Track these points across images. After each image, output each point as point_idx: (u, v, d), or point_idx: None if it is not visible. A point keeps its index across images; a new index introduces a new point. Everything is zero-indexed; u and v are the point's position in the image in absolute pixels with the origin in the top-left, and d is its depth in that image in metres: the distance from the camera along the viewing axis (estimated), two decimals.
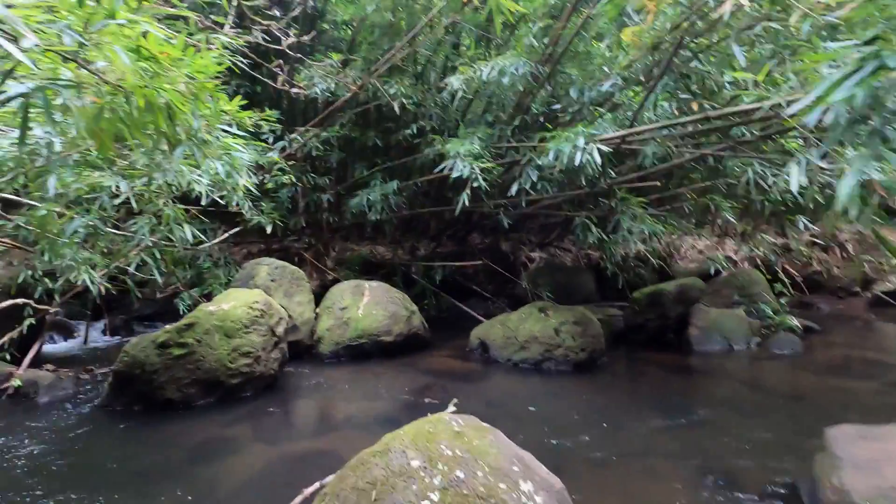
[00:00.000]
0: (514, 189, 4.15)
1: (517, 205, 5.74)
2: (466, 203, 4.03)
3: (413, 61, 5.74)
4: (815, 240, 7.97)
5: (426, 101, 5.16)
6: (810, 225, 4.93)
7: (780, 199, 4.42)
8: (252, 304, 3.75)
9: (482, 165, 3.87)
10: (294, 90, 4.97)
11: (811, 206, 5.69)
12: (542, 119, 4.81)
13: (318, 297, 5.27)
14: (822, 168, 1.67)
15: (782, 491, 2.27)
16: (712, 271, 5.59)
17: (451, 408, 2.32)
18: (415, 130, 5.13)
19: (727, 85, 3.41)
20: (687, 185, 6.25)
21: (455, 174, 3.92)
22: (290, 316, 4.59)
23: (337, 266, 7.39)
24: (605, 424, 3.27)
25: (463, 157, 3.97)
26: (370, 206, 5.94)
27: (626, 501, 2.34)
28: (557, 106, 4.34)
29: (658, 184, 4.59)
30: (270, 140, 5.70)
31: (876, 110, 1.38)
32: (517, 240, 8.12)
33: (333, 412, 3.57)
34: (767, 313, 5.70)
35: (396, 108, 4.70)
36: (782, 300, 5.69)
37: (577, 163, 3.22)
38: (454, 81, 4.24)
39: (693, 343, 4.96)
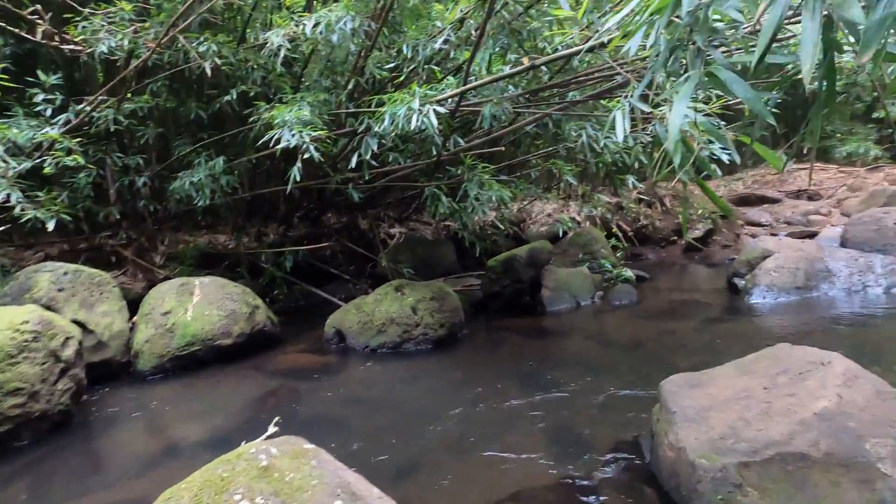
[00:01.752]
0: (353, 160, 3.75)
1: (367, 178, 5.36)
2: (297, 178, 3.53)
3: (231, 15, 4.93)
4: (641, 197, 8.85)
5: (248, 63, 4.45)
6: (637, 183, 5.32)
7: (611, 160, 4.65)
8: (18, 325, 2.89)
9: (313, 134, 3.39)
10: (67, 47, 3.93)
11: (636, 165, 6.21)
12: (378, 83, 4.43)
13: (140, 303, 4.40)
14: (644, 114, 1.61)
15: (627, 450, 2.29)
16: (561, 233, 5.82)
17: (271, 429, 1.91)
18: (234, 97, 4.41)
19: (554, 39, 3.36)
20: (533, 151, 6.41)
21: (283, 144, 3.39)
22: (90, 331, 3.72)
23: (168, 263, 6.34)
24: (464, 403, 3.12)
25: (291, 126, 3.45)
26: (197, 188, 5.08)
27: (484, 490, 2.18)
28: (392, 65, 3.99)
29: (503, 149, 4.54)
30: (49, 112, 4.54)
31: (700, 30, 1.27)
32: (375, 216, 7.75)
33: (151, 444, 2.93)
34: (607, 267, 6.13)
35: (208, 70, 3.95)
36: (618, 254, 6.16)
37: (412, 126, 2.93)
38: (274, 38, 3.66)
39: (546, 304, 5.12)
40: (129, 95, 5.18)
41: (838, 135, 12.21)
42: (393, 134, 3.44)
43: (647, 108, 1.63)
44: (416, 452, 2.57)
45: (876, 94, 12.52)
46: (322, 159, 3.57)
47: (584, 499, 1.97)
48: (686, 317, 4.50)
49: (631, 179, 5.09)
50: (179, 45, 4.38)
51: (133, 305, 4.46)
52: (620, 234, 7.24)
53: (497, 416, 2.89)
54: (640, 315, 4.69)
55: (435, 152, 4.41)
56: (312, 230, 7.36)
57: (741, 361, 2.12)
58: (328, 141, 3.80)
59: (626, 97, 1.66)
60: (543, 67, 4.26)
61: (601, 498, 1.94)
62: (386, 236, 7.54)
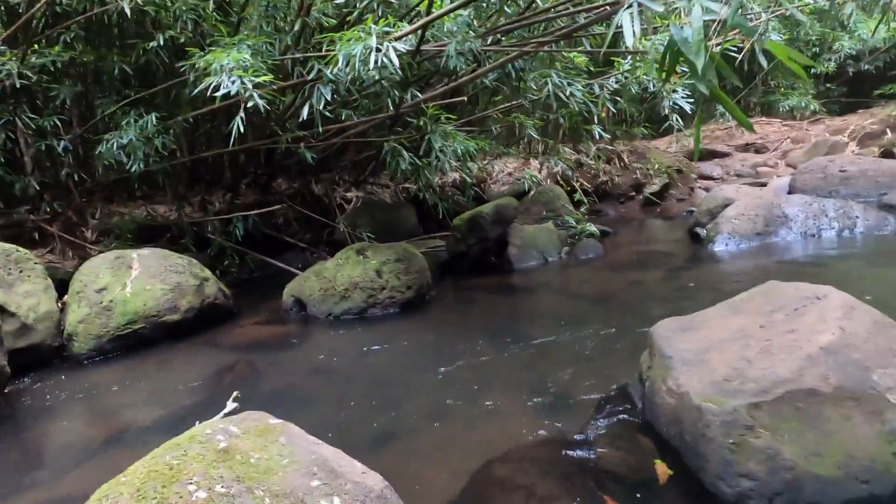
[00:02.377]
0: (304, 112, 3.40)
1: (319, 135, 4.98)
2: (241, 129, 3.16)
3: None
4: (600, 154, 8.82)
5: (176, 4, 3.94)
6: (604, 134, 5.20)
7: (577, 109, 4.48)
8: None
9: (256, 80, 3.02)
10: None
11: (605, 118, 6.09)
12: (328, 25, 4.03)
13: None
14: (655, 14, 1.41)
15: (616, 400, 2.20)
16: (527, 188, 5.67)
17: (230, 406, 1.67)
18: (161, 43, 3.90)
19: None
20: (492, 107, 6.17)
21: (222, 92, 3.00)
22: (10, 314, 3.29)
23: (102, 238, 5.78)
24: (438, 366, 2.96)
25: (230, 71, 3.05)
26: (128, 152, 4.56)
27: (469, 452, 2.03)
28: (342, 0, 3.61)
29: (464, 100, 4.27)
30: None
31: None
32: (330, 180, 7.35)
33: (91, 433, 2.62)
34: (571, 223, 6.06)
35: (127, 9, 3.44)
36: (582, 209, 6.10)
37: (370, 67, 2.62)
38: None
39: (513, 261, 5.00)
40: (36, 47, 4.54)
41: (781, 89, 12.55)
42: (348, 80, 3.11)
43: (658, 8, 1.44)
44: (392, 420, 2.40)
45: (816, 49, 12.87)
46: (268, 109, 3.20)
47: (578, 454, 1.86)
48: (653, 267, 4.49)
49: (597, 130, 4.95)
50: None
51: (64, 285, 4.00)
52: (581, 191, 7.19)
53: (473, 376, 2.75)
54: (608, 268, 4.65)
55: (392, 106, 4.10)
56: (262, 197, 6.90)
57: (732, 301, 2.04)
58: (274, 90, 3.42)
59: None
60: (505, 8, 3.99)
61: (596, 451, 1.84)
62: (342, 201, 7.18)
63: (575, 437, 1.98)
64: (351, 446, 2.20)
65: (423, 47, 3.39)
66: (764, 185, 8.16)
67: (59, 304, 3.82)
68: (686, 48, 1.23)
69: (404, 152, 3.95)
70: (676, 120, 5.67)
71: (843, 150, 8.50)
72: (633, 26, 1.39)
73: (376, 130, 4.95)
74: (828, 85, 13.06)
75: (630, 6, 1.38)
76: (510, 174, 8.61)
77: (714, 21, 1.23)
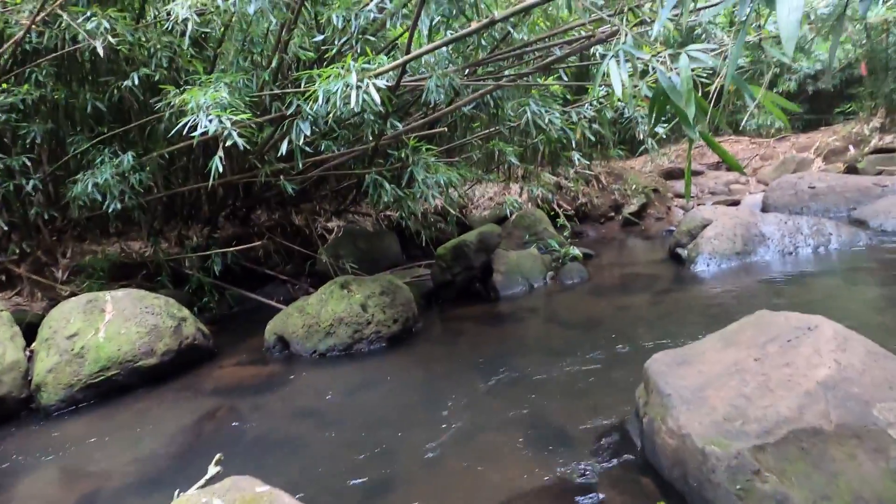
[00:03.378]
0: (283, 147, 3.36)
1: (299, 169, 4.93)
2: (220, 169, 3.09)
3: None
4: (578, 176, 8.95)
5: (150, 43, 3.89)
6: (583, 160, 5.27)
7: (556, 136, 4.54)
8: None
9: (235, 118, 2.97)
10: None
11: (582, 141, 6.18)
12: (305, 61, 4.02)
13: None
14: (643, 63, 1.42)
15: (614, 439, 2.16)
16: (509, 213, 5.69)
17: (212, 470, 1.57)
18: (135, 82, 3.84)
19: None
20: (470, 134, 6.22)
21: (200, 131, 2.95)
22: None
23: (73, 277, 5.59)
24: (429, 404, 2.89)
25: (208, 110, 3.00)
26: (102, 190, 4.43)
27: (469, 500, 1.95)
28: (320, 38, 3.61)
29: (446, 129, 4.29)
30: None
31: None
32: (310, 210, 7.28)
33: (61, 495, 2.45)
34: (554, 247, 6.09)
35: (100, 49, 3.38)
36: (565, 233, 6.13)
37: (352, 104, 2.60)
38: (179, 9, 3.17)
39: (499, 289, 4.97)
40: (4, 86, 4.42)
41: (747, 108, 13.01)
42: (329, 116, 3.09)
43: (644, 55, 1.45)
44: (384, 468, 2.31)
45: (777, 70, 13.45)
46: (247, 147, 3.15)
47: (580, 500, 1.80)
48: (638, 290, 4.51)
49: (576, 156, 5.01)
50: (63, 22, 3.74)
51: (32, 329, 3.83)
52: (562, 214, 7.25)
53: (466, 415, 2.68)
54: (593, 292, 4.66)
55: (373, 137, 4.08)
56: (241, 230, 6.79)
57: (724, 333, 2.03)
58: (252, 127, 3.38)
59: (615, 43, 1.46)
60: (482, 41, 4.05)
61: (598, 496, 1.78)
62: (324, 231, 7.10)
63: (577, 480, 1.92)
64: (343, 500, 2.11)
65: (403, 81, 3.40)
66: (737, 202, 8.36)
67: (27, 353, 3.64)
68: (675, 96, 1.24)
69: (386, 184, 3.93)
70: (651, 144, 5.81)
71: (809, 167, 8.79)
72: (620, 74, 1.40)
73: (357, 162, 4.92)
74: (791, 103, 13.60)
75: (616, 55, 1.39)
76: (491, 199, 8.66)
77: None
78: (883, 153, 7.94)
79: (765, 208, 6.91)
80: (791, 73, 12.99)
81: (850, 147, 8.60)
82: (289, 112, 3.37)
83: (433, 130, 4.17)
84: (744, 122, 12.91)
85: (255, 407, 3.23)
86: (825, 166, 8.62)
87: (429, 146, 4.03)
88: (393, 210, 7.09)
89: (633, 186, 8.97)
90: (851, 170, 7.96)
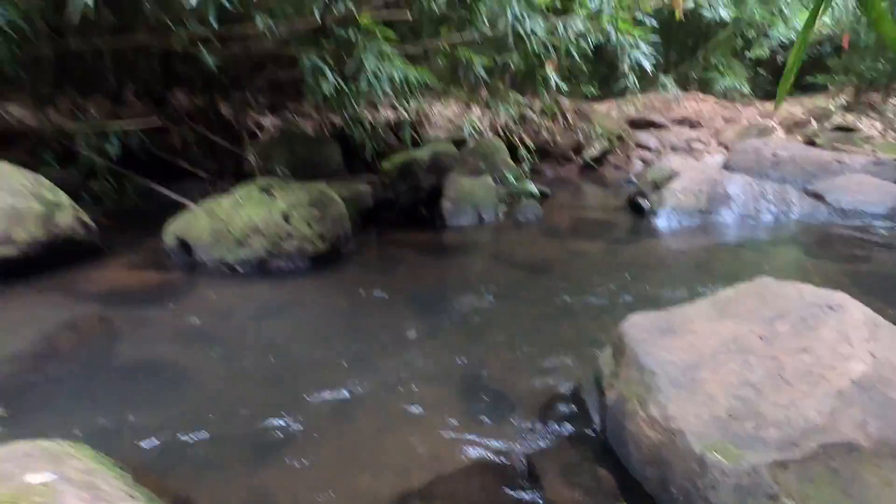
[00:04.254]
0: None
1: (224, 38, 4.03)
2: (89, 2, 2.25)
3: None
4: (545, 110, 8.35)
5: None
6: (562, 84, 4.68)
7: (536, 50, 3.90)
8: None
9: None
10: None
11: (551, 67, 5.54)
12: None
13: None
14: None
15: (566, 410, 1.79)
16: (466, 136, 5.09)
17: None
18: None
19: None
20: (437, 38, 5.41)
21: None
22: None
23: None
24: (351, 342, 2.42)
25: None
26: None
27: (376, 477, 1.54)
28: None
29: (409, 15, 3.53)
30: None
31: None
32: (241, 101, 6.27)
33: None
34: (510, 181, 5.61)
35: None
36: (524, 167, 5.65)
37: None
38: None
39: (446, 217, 4.48)
40: None
41: (720, 68, 12.71)
42: None
43: None
44: (281, 418, 1.84)
45: (754, 34, 13.11)
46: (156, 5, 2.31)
47: (521, 495, 1.42)
48: (594, 237, 4.17)
49: (555, 79, 4.42)
50: None
51: None
52: (524, 147, 6.72)
53: (392, 360, 2.24)
54: (547, 234, 4.27)
55: (318, 13, 3.27)
56: (154, 111, 5.75)
57: (716, 299, 1.66)
58: None
59: None
60: None
61: (543, 488, 1.41)
62: (255, 128, 6.19)
63: (515, 462, 1.55)
64: (223, 456, 1.64)
65: None
66: (696, 160, 8.18)
67: None
68: None
69: (328, 72, 3.19)
70: (633, 81, 5.29)
71: (771, 135, 8.69)
72: None
73: (297, 43, 4.06)
74: (758, 69, 13.44)
75: None
76: (450, 120, 7.95)
77: None
78: (842, 131, 7.92)
79: (726, 170, 6.72)
80: (766, 39, 12.72)
81: (812, 121, 8.53)
82: None
83: (395, 16, 3.41)
84: (712, 81, 12.65)
85: (137, 321, 2.63)
86: (786, 137, 8.55)
87: (387, 34, 3.30)
88: (337, 114, 6.26)
89: (599, 130, 8.52)
90: (810, 143, 7.91)
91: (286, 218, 3.34)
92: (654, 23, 4.69)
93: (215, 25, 2.62)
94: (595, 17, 4.56)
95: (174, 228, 3.54)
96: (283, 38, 4.00)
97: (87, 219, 3.59)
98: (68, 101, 5.41)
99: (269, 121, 6.41)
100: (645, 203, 4.79)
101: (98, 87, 5.64)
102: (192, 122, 5.89)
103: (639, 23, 4.70)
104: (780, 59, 12.63)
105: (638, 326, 1.57)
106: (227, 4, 2.73)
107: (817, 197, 5.06)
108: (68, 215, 3.40)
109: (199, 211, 3.50)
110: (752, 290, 1.65)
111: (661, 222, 4.43)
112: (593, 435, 1.61)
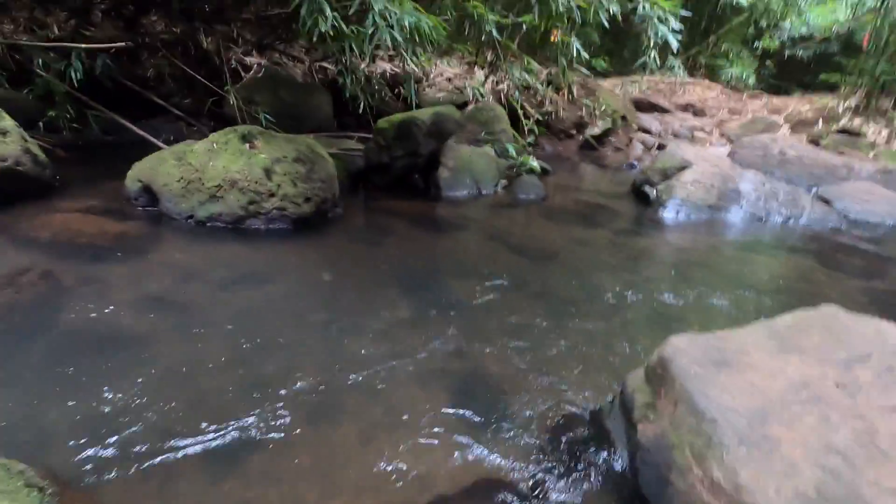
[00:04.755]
0: None
1: None
2: None
3: None
4: (551, 79, 7.92)
5: None
6: (582, 50, 4.29)
7: (561, 10, 3.51)
8: None
9: None
10: None
11: (554, 39, 5.13)
12: None
13: None
14: None
15: (581, 429, 1.55)
16: (470, 99, 4.69)
17: None
18: None
19: None
20: None
21: None
22: None
23: None
24: (332, 321, 2.13)
25: None
26: None
27: (358, 491, 1.28)
28: None
29: None
30: None
31: None
32: (225, 35, 5.69)
33: None
34: (511, 153, 5.27)
35: None
36: (529, 140, 5.29)
37: None
38: None
39: (443, 186, 4.14)
40: None
41: (729, 56, 12.37)
42: None
43: None
44: (253, 414, 1.56)
45: (765, 24, 12.75)
46: None
47: None
48: (598, 225, 3.91)
49: (575, 45, 4.04)
50: None
51: None
52: (530, 118, 6.34)
53: (378, 349, 1.96)
54: (549, 216, 3.99)
55: None
56: (126, 35, 5.15)
57: (772, 326, 1.41)
58: None
59: None
60: None
61: None
62: (239, 66, 5.64)
63: (524, 493, 1.30)
64: (177, 465, 1.35)
65: None
66: (702, 150, 7.93)
67: None
68: None
69: (326, 7, 2.76)
70: (654, 58, 4.94)
71: (776, 131, 8.49)
72: None
73: None
74: (766, 62, 13.17)
75: None
76: (450, 80, 7.46)
77: None
78: (848, 134, 7.75)
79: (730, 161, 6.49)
80: (777, 31, 12.40)
81: (820, 121, 8.33)
82: None
83: None
84: (720, 69, 12.32)
85: (85, 279, 2.28)
86: (791, 134, 8.35)
87: None
88: (331, 61, 5.75)
89: (603, 108, 8.17)
90: (814, 143, 7.73)
91: (268, 173, 2.96)
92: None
93: None
94: None
95: (138, 172, 3.13)
96: None
97: (37, 150, 3.15)
98: (27, 12, 4.79)
99: (254, 59, 5.85)
100: (652, 192, 4.53)
101: (62, 1, 5.00)
102: (168, 51, 5.32)
103: None
104: (787, 52, 12.36)
105: (686, 355, 1.31)
106: None
107: (826, 202, 4.88)
108: (15, 145, 2.95)
109: (169, 154, 3.09)
110: (818, 320, 1.40)
111: (669, 214, 4.19)
112: (619, 474, 1.37)
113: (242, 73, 5.68)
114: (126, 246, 2.63)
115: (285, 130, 4.72)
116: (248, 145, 3.03)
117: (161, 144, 4.20)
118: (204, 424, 1.51)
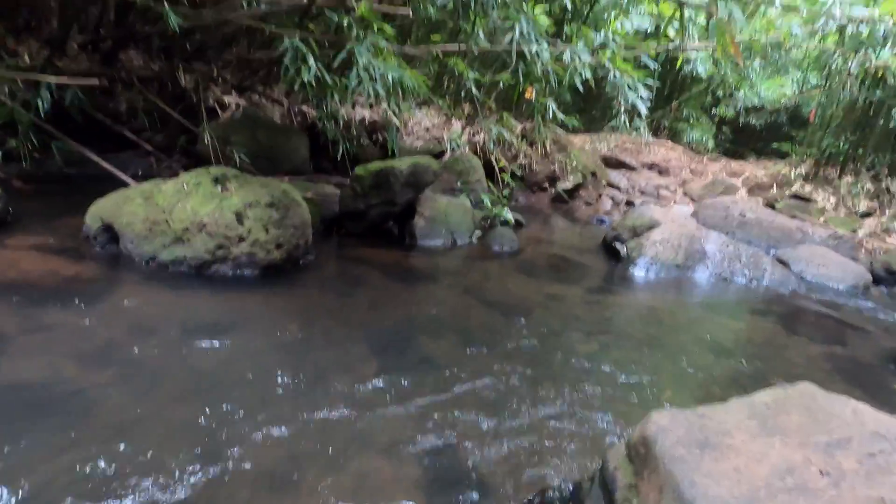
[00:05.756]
0: None
1: (198, 0, 3.53)
2: None
3: None
4: (525, 134, 8.19)
5: None
6: (559, 113, 4.45)
7: (539, 74, 3.65)
8: None
9: None
10: None
11: (528, 95, 5.33)
12: None
13: None
14: None
15: None
16: (450, 150, 4.77)
17: None
18: None
19: None
20: (429, 44, 5.11)
21: None
22: None
23: None
24: (295, 381, 2.01)
25: None
26: None
27: None
28: None
29: (409, 11, 3.19)
30: None
31: None
32: (205, 73, 5.67)
33: None
34: (487, 204, 5.33)
35: None
36: (505, 192, 5.38)
37: None
38: None
39: (418, 236, 4.12)
40: None
41: (690, 120, 13.14)
42: None
43: None
44: (196, 489, 1.42)
45: (721, 93, 13.69)
46: None
47: None
48: (571, 280, 3.94)
49: (553, 107, 4.19)
50: None
51: None
52: (499, 168, 6.48)
53: (345, 413, 1.86)
54: (523, 270, 4.00)
55: None
56: (101, 69, 5.08)
57: (753, 405, 1.40)
58: None
59: None
60: None
61: None
62: (216, 104, 5.60)
63: None
64: None
65: None
66: (665, 208, 8.24)
67: None
68: None
69: (311, 58, 2.78)
70: (625, 121, 5.16)
71: (735, 193, 8.93)
72: None
73: (278, 21, 3.62)
74: (723, 127, 14.05)
75: None
76: (427, 129, 7.61)
77: None
78: (800, 199, 8.21)
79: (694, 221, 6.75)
80: (732, 100, 13.30)
81: (775, 186, 8.83)
82: None
83: (394, 7, 3.04)
84: (682, 132, 13.04)
85: (28, 327, 2.11)
86: (748, 197, 8.79)
87: (382, 26, 2.93)
88: (311, 105, 5.78)
89: (575, 163, 8.44)
90: (770, 207, 8.15)
91: (239, 217, 2.88)
92: (657, 66, 4.58)
93: None
94: (598, 50, 4.39)
95: (100, 209, 2.99)
96: (262, 12, 3.55)
97: None
98: None
99: (232, 99, 5.83)
100: (622, 249, 4.62)
101: (36, 31, 4.92)
102: (144, 86, 5.25)
103: (641, 66, 4.58)
104: (741, 120, 13.26)
105: (669, 435, 1.27)
106: None
107: (784, 264, 5.08)
108: None
109: (135, 193, 2.97)
110: (797, 399, 1.40)
111: (639, 272, 4.27)
112: None
113: (220, 112, 5.64)
114: (78, 290, 2.47)
115: (261, 171, 4.66)
116: (220, 188, 2.95)
117: (127, 179, 4.06)
118: (148, 488, 1.36)
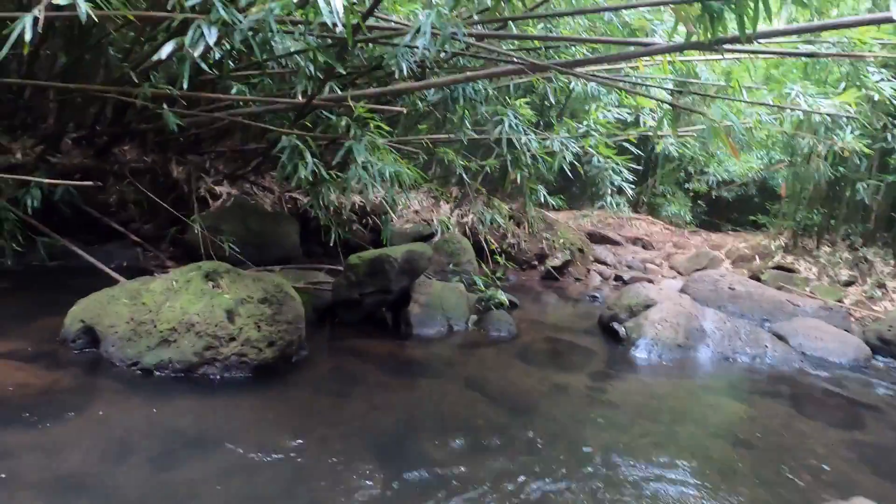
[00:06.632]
0: (166, 50, 2.14)
1: (194, 100, 3.63)
2: (29, 35, 1.79)
3: None
4: (512, 214, 8.36)
5: None
6: (549, 198, 4.56)
7: (528, 162, 3.77)
8: None
9: None
10: None
11: (513, 178, 5.50)
12: None
13: None
14: None
15: None
16: (439, 233, 4.79)
17: None
18: None
19: None
20: (418, 133, 5.31)
21: None
22: None
23: None
24: None
25: None
26: None
27: None
28: None
29: (404, 110, 3.30)
30: None
31: None
32: (198, 165, 5.76)
33: None
34: (480, 287, 5.28)
35: None
36: (497, 274, 5.36)
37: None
38: None
39: (414, 324, 4.00)
40: None
41: (666, 196, 13.65)
42: (247, 29, 1.96)
43: None
44: None
45: (692, 170, 14.38)
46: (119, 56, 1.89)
47: None
48: (574, 367, 3.81)
49: (542, 191, 4.28)
50: None
51: None
52: (490, 250, 6.52)
53: None
54: (523, 357, 3.86)
55: (303, 96, 2.97)
56: (94, 163, 5.11)
57: None
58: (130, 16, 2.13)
59: None
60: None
61: None
62: (208, 194, 5.62)
63: None
64: None
65: (378, 24, 2.38)
66: (651, 282, 8.29)
67: None
68: None
69: (308, 155, 2.81)
70: (611, 202, 5.31)
71: (719, 266, 9.07)
72: None
73: (275, 117, 3.72)
74: (699, 201, 14.60)
75: None
76: (416, 212, 7.73)
77: None
78: (784, 271, 8.35)
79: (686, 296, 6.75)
80: (703, 175, 13.93)
81: (757, 257, 9.02)
82: (189, 2, 2.15)
83: (390, 108, 3.15)
84: (660, 207, 13.50)
85: None
86: (733, 269, 8.93)
87: (379, 124, 3.01)
88: (303, 193, 5.85)
89: (561, 240, 8.57)
90: (755, 279, 8.25)
91: (230, 315, 2.75)
92: (639, 152, 4.79)
93: (184, 84, 2.21)
94: (581, 138, 4.59)
95: (82, 310, 2.85)
96: (258, 111, 3.65)
97: None
98: None
99: (223, 189, 5.88)
100: (621, 330, 4.54)
101: (32, 128, 4.99)
102: (135, 178, 5.27)
103: (623, 150, 4.78)
104: (714, 194, 13.83)
105: None
106: (204, 66, 2.35)
107: (781, 339, 5.03)
108: None
109: (121, 292, 2.85)
110: None
111: (641, 354, 4.16)
112: None
113: (210, 202, 5.66)
114: (51, 403, 2.27)
115: (251, 259, 4.59)
116: (212, 284, 2.85)
117: (111, 272, 3.94)
118: None
